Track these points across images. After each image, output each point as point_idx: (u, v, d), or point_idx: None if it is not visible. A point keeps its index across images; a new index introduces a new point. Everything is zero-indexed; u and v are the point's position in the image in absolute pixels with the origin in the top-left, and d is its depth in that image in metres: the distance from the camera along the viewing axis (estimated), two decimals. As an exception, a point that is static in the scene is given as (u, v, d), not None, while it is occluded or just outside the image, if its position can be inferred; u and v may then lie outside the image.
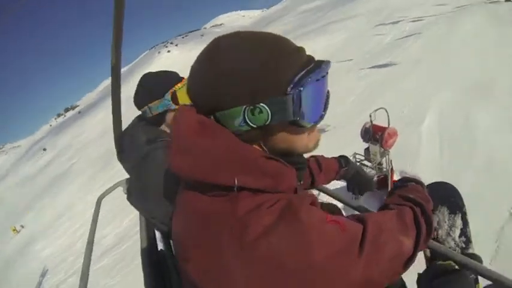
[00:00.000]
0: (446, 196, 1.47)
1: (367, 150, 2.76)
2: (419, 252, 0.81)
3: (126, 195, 1.55)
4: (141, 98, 1.50)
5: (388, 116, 2.55)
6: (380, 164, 2.69)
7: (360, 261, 0.62)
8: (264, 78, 0.65)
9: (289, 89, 0.65)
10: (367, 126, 2.71)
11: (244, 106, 0.64)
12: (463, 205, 1.45)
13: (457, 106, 4.61)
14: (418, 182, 1.03)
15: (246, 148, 0.66)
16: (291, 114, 0.67)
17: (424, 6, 13.57)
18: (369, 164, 2.75)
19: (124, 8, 1.01)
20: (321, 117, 0.73)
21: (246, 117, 0.64)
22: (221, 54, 0.66)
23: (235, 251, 0.59)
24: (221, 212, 0.64)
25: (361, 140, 2.79)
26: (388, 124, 2.60)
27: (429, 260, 1.38)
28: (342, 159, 1.45)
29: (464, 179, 2.98)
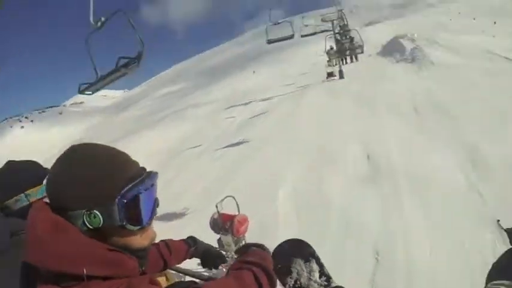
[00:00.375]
0: (297, 249, 1.67)
1: (219, 241, 2.66)
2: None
3: None
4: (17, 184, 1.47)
5: (236, 203, 2.49)
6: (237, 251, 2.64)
7: None
8: (98, 188, 0.78)
9: (116, 200, 0.78)
10: (215, 217, 2.66)
11: (84, 210, 0.77)
12: (314, 251, 1.67)
13: (309, 174, 5.19)
14: (258, 245, 1.19)
15: (90, 243, 0.76)
16: (118, 220, 0.79)
17: (272, 89, 15.55)
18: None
19: None
20: (148, 222, 0.85)
21: (85, 220, 0.76)
22: (71, 162, 0.80)
23: None
24: None
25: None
26: (238, 211, 2.56)
27: None
28: (190, 240, 1.60)
29: (323, 246, 3.09)
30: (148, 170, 0.89)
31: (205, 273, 1.47)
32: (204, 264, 1.64)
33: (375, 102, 8.35)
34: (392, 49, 17.13)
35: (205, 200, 5.16)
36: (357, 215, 3.76)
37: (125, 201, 0.79)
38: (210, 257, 1.60)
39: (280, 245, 1.69)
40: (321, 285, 1.56)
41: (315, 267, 1.60)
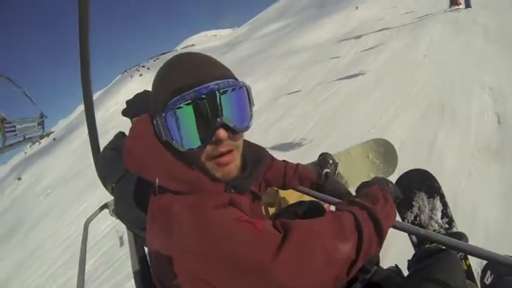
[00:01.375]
0: (422, 181, 1.52)
1: None
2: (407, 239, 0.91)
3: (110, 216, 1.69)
4: (138, 108, 1.68)
5: None
6: None
7: (274, 264, 0.66)
8: (153, 97, 0.82)
9: (162, 112, 0.76)
10: None
11: (153, 120, 0.81)
12: (440, 187, 1.49)
13: (420, 130, 4.09)
14: (377, 182, 1.06)
15: (162, 154, 0.79)
16: (163, 135, 0.79)
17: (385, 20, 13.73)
18: None
19: (89, 32, 1.10)
20: (195, 145, 0.77)
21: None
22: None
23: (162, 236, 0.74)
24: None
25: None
26: None
27: (416, 246, 1.39)
28: (324, 174, 1.48)
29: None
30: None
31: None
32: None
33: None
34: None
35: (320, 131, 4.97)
36: (469, 205, 2.60)
37: (163, 114, 0.76)
38: (335, 195, 1.42)
39: (405, 174, 1.57)
40: (442, 227, 1.45)
41: (438, 205, 1.48)
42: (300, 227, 0.74)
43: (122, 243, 5.48)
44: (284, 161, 1.47)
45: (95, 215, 1.90)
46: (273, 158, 1.43)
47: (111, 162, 1.69)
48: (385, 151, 2.49)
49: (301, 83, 9.10)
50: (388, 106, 5.08)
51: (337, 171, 2.50)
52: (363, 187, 1.07)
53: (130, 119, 1.76)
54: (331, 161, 2.37)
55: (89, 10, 1.06)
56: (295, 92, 8.44)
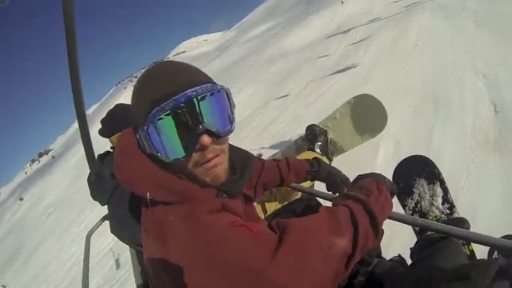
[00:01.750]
0: (421, 168, 1.51)
1: None
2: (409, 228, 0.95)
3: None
4: (113, 126, 1.65)
5: None
6: None
7: (271, 266, 0.65)
8: (133, 110, 0.80)
9: (143, 125, 0.75)
10: None
11: (136, 134, 0.80)
12: (439, 173, 1.50)
13: (415, 124, 3.79)
14: (371, 175, 1.04)
15: (150, 168, 0.78)
16: (146, 148, 0.77)
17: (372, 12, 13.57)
18: None
19: (76, 45, 1.12)
20: (179, 155, 0.76)
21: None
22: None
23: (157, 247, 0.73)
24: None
25: None
26: None
27: (418, 233, 1.40)
28: (315, 161, 1.50)
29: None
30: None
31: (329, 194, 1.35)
32: (328, 188, 1.54)
33: (505, 25, 5.92)
34: None
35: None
36: (470, 202, 2.45)
37: (145, 127, 0.74)
38: (333, 181, 1.47)
39: (404, 161, 1.56)
40: (443, 212, 1.44)
41: (439, 191, 1.46)
42: (295, 226, 0.74)
43: (118, 266, 5.35)
44: (274, 159, 1.46)
45: (96, 226, 1.92)
46: (263, 161, 1.41)
47: (97, 186, 1.69)
48: (370, 105, 2.41)
49: (293, 83, 8.95)
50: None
51: (329, 139, 2.40)
52: (357, 179, 1.07)
53: (108, 138, 1.72)
54: (318, 131, 2.27)
55: (74, 23, 1.08)
56: (285, 94, 8.30)
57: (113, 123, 1.71)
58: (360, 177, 1.07)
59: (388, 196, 0.95)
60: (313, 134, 1.86)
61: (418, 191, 1.48)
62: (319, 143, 1.79)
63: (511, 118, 3.27)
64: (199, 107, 0.74)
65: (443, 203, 1.45)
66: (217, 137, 0.79)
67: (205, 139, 0.75)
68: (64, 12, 1.03)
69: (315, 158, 1.52)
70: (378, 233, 0.83)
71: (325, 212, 0.82)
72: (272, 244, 0.69)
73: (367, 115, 2.44)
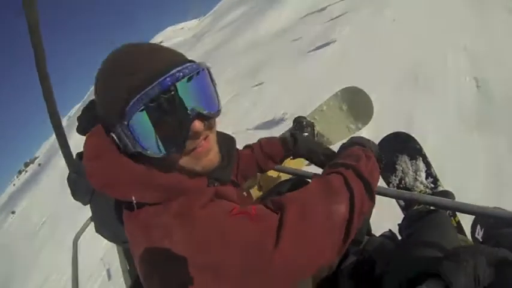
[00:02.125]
0: (402, 144, 1.51)
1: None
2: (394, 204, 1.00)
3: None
4: (89, 121, 1.55)
5: None
6: None
7: (277, 249, 0.63)
8: (105, 106, 0.70)
9: (121, 120, 0.64)
10: None
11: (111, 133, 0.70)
12: (421, 148, 1.49)
13: (396, 102, 3.77)
14: (360, 142, 1.03)
15: (130, 166, 0.70)
16: (131, 147, 0.67)
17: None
18: None
19: (43, 51, 1.06)
20: (168, 150, 0.68)
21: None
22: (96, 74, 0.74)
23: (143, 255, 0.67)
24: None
25: None
26: None
27: (405, 209, 1.41)
28: (290, 138, 1.36)
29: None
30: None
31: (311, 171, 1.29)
32: (315, 163, 1.43)
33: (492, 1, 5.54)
34: None
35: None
36: (456, 183, 2.20)
37: (126, 122, 0.64)
38: (315, 155, 1.37)
39: (385, 139, 1.55)
40: (428, 187, 1.44)
41: (422, 166, 1.47)
42: (292, 202, 0.72)
43: (110, 277, 5.22)
44: (247, 145, 1.39)
45: (82, 230, 1.85)
46: (238, 150, 1.32)
47: (78, 185, 1.63)
48: (358, 98, 2.44)
49: (269, 69, 8.72)
50: (357, 83, 4.69)
51: (315, 131, 2.38)
52: (343, 149, 1.06)
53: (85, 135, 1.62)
54: (305, 123, 2.22)
55: (39, 24, 1.00)
56: (261, 82, 8.08)
57: (84, 120, 1.60)
58: (346, 145, 1.06)
59: (375, 162, 0.94)
60: (300, 126, 1.77)
61: (401, 168, 1.48)
62: (306, 135, 1.70)
63: (492, 94, 3.19)
64: (188, 88, 0.65)
65: (427, 178, 1.46)
66: (208, 119, 0.72)
67: (198, 124, 0.68)
68: (26, 13, 0.96)
69: (291, 134, 1.40)
70: (373, 197, 0.83)
71: (319, 182, 0.81)
72: (274, 226, 0.67)
73: (353, 108, 2.44)
